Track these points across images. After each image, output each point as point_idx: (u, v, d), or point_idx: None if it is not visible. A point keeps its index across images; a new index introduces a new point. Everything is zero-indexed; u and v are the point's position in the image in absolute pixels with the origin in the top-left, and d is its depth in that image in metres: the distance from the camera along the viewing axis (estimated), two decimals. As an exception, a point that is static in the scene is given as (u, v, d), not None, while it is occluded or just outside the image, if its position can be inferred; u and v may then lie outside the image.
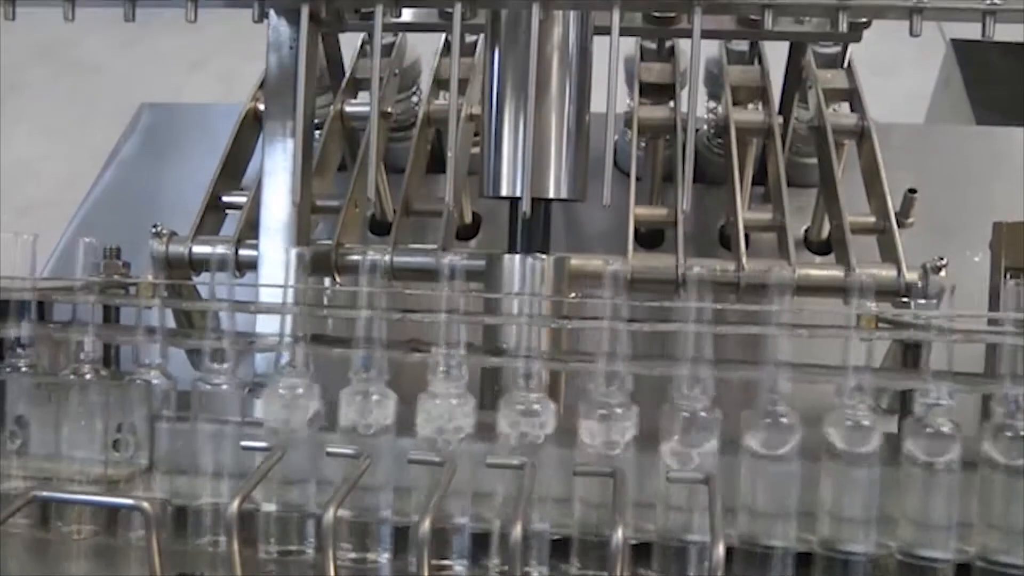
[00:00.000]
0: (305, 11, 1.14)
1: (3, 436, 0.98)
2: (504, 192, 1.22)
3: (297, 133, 1.22)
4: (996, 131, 1.84)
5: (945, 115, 2.10)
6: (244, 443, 0.90)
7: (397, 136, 1.71)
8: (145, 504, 0.81)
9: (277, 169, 1.28)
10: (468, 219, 1.72)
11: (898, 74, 2.75)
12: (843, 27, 1.10)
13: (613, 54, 1.12)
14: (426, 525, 0.78)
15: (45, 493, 0.84)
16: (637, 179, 1.53)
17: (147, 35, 3.66)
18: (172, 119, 1.94)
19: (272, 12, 1.24)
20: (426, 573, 0.77)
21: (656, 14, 1.41)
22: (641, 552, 0.90)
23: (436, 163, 1.66)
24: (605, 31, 1.17)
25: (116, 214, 1.76)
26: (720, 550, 0.77)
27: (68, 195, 1.97)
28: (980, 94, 1.99)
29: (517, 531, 0.78)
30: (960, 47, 2.06)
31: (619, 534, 0.77)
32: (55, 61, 3.85)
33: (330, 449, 0.89)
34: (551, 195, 1.21)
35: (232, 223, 1.43)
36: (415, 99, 1.70)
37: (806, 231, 1.68)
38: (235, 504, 0.80)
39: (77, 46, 3.80)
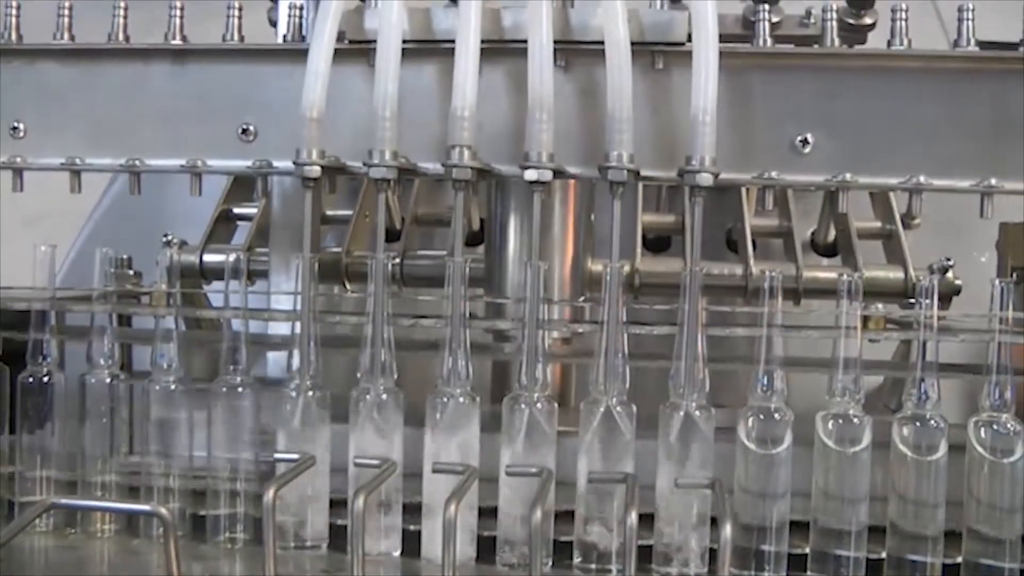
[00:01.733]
0: (308, 199, 1.11)
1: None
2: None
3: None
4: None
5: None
6: (277, 455, 0.95)
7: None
8: (163, 511, 0.86)
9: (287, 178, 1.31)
10: (476, 226, 1.76)
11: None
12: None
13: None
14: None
15: (63, 500, 0.89)
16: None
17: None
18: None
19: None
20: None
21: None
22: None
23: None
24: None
25: (126, 223, 1.80)
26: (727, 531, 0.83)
27: (75, 206, 2.01)
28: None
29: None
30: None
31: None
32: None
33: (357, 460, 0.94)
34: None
35: (240, 233, 1.48)
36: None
37: (812, 234, 1.71)
38: (271, 492, 0.86)
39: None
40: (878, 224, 1.49)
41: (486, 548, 0.99)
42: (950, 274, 1.35)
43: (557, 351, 1.19)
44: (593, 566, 0.97)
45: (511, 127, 1.06)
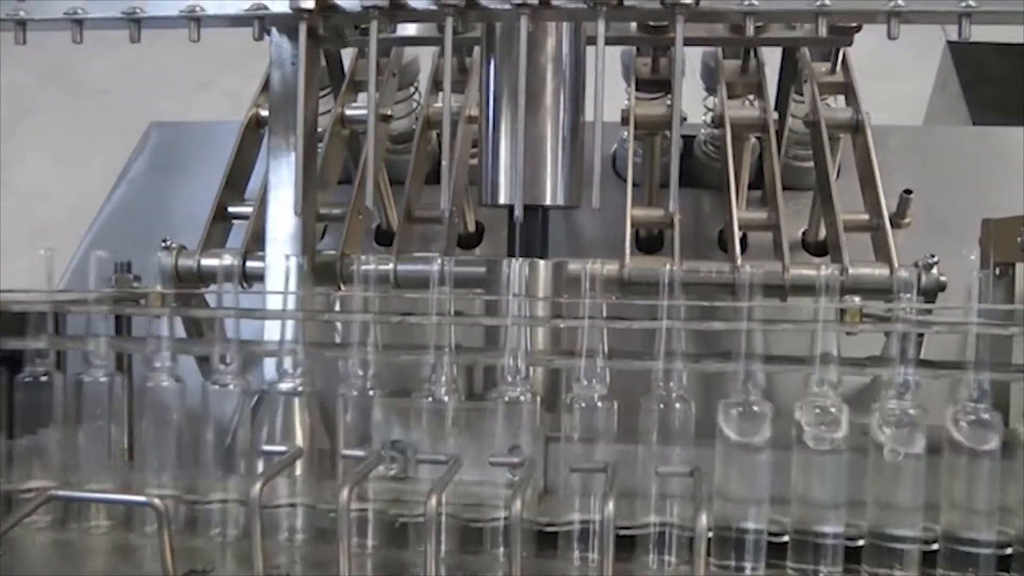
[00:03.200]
0: (303, 28, 1.21)
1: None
2: (502, 200, 1.29)
3: (298, 148, 1.29)
4: (991, 131, 1.91)
5: (943, 117, 2.17)
6: (266, 447, 0.98)
7: (399, 148, 1.79)
8: (156, 501, 0.89)
9: (282, 183, 1.35)
10: (471, 228, 1.79)
11: (896, 78, 2.80)
12: (822, 32, 1.16)
13: (599, 64, 1.18)
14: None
15: (62, 492, 0.92)
16: (635, 184, 1.59)
17: (153, 54, 3.77)
18: (180, 137, 2.03)
19: (274, 30, 1.32)
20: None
21: (651, 23, 1.50)
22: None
23: (438, 173, 1.72)
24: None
25: (128, 230, 1.84)
26: (703, 521, 0.85)
27: (79, 216, 2.04)
28: (976, 95, 2.05)
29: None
30: (956, 49, 2.12)
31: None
32: (63, 84, 3.94)
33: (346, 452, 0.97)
34: (547, 202, 1.29)
35: (238, 234, 1.51)
36: (415, 99, 1.77)
37: (803, 233, 1.74)
38: (257, 487, 0.88)
39: (85, 68, 3.90)
40: (865, 217, 1.51)
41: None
42: (935, 270, 1.37)
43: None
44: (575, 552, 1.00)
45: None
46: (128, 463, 1.08)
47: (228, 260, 1.08)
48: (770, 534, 0.98)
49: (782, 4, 1.15)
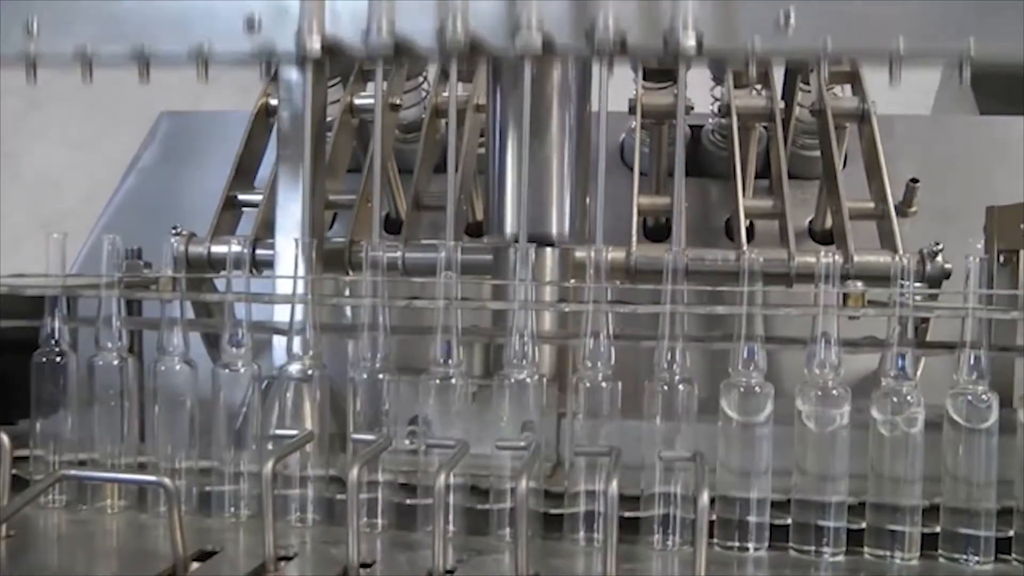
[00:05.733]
0: (309, 69, 1.23)
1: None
2: (508, 230, 1.32)
3: (306, 149, 1.30)
4: (997, 120, 1.92)
5: (951, 106, 2.18)
6: (276, 431, 1.00)
7: (408, 137, 1.81)
8: (167, 481, 0.92)
9: (290, 174, 1.36)
10: (479, 216, 1.81)
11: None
12: (824, 72, 1.18)
13: (602, 101, 1.18)
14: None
15: (73, 472, 0.94)
16: (642, 173, 1.61)
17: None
18: (190, 127, 2.05)
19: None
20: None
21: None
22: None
23: (445, 163, 1.75)
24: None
25: (138, 218, 1.86)
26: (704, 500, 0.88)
27: (91, 207, 2.06)
28: (984, 85, 2.06)
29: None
30: (965, 39, 2.13)
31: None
32: (74, 75, 3.97)
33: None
34: (553, 234, 1.31)
35: (248, 223, 1.54)
36: (424, 88, 1.78)
37: (810, 222, 1.76)
38: (269, 465, 0.91)
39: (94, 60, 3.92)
40: (871, 205, 1.53)
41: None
42: (940, 258, 1.39)
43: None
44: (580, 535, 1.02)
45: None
46: (140, 445, 1.10)
47: (237, 247, 1.09)
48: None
49: (783, 42, 1.14)
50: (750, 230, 1.66)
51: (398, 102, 1.69)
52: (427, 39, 1.16)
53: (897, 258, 1.38)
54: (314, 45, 1.16)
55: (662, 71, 1.72)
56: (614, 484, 0.89)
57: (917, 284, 1.32)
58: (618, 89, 1.29)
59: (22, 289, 1.14)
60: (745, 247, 1.43)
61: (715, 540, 1.00)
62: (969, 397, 0.97)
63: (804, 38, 1.11)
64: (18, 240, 2.69)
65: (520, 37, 1.12)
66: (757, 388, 0.99)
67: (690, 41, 1.08)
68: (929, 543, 0.99)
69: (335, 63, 1.30)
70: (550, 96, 1.29)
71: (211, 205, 1.58)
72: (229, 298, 1.09)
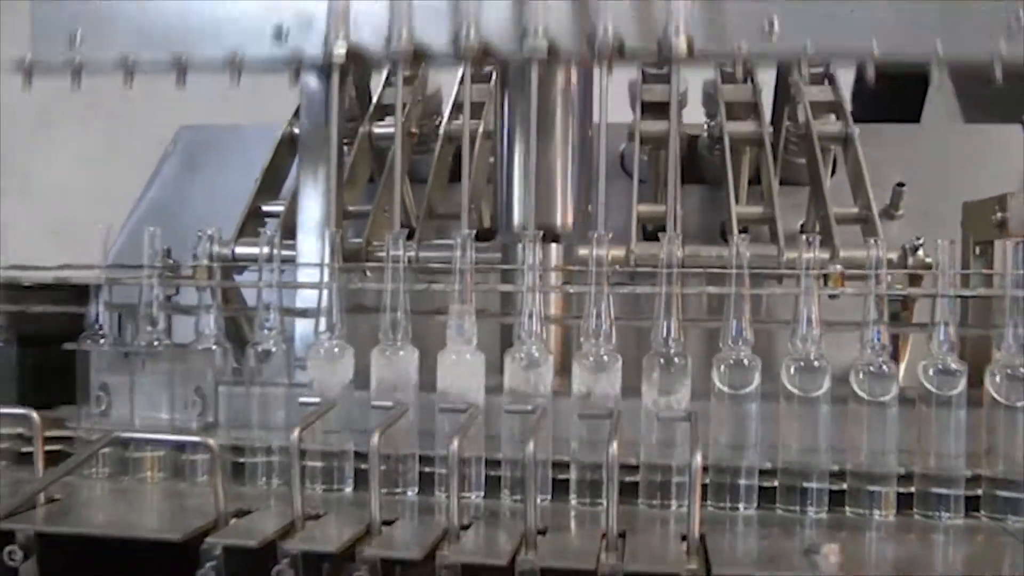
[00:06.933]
0: (335, 75, 1.34)
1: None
2: (516, 223, 1.43)
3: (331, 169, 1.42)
4: (982, 128, 2.02)
5: (938, 116, 2.28)
6: (302, 399, 1.11)
7: (420, 149, 1.92)
8: (210, 440, 1.02)
9: (312, 176, 1.47)
10: (488, 223, 1.92)
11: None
12: (804, 71, 1.29)
13: (603, 104, 1.31)
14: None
15: (125, 434, 1.05)
16: (641, 181, 1.71)
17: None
18: (208, 139, 2.16)
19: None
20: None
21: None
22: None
23: (456, 175, 1.86)
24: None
25: (161, 224, 1.95)
26: (697, 460, 0.97)
27: (99, 215, 2.15)
28: (969, 96, 2.17)
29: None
30: (950, 54, 2.24)
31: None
32: (86, 97, 4.08)
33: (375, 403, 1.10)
34: (558, 225, 1.42)
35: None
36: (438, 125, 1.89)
37: (801, 226, 1.86)
38: (296, 432, 1.01)
39: (107, 82, 4.04)
40: (855, 209, 1.63)
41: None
42: (921, 252, 1.49)
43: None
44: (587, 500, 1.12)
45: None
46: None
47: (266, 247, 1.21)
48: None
49: (768, 46, 1.26)
50: (743, 234, 1.76)
51: (414, 130, 1.81)
52: (443, 45, 1.28)
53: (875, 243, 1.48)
54: (339, 51, 1.28)
55: (659, 105, 1.82)
56: (614, 445, 0.99)
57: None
58: (617, 97, 1.41)
59: (67, 279, 1.24)
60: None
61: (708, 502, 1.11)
62: (939, 366, 1.08)
63: (788, 42, 1.23)
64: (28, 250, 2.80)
65: (527, 42, 1.24)
66: (745, 361, 1.09)
67: (682, 45, 1.20)
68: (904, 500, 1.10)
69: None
70: (554, 101, 1.41)
71: (228, 211, 1.68)
72: (262, 285, 1.19)
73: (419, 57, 1.29)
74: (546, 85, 1.38)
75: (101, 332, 1.22)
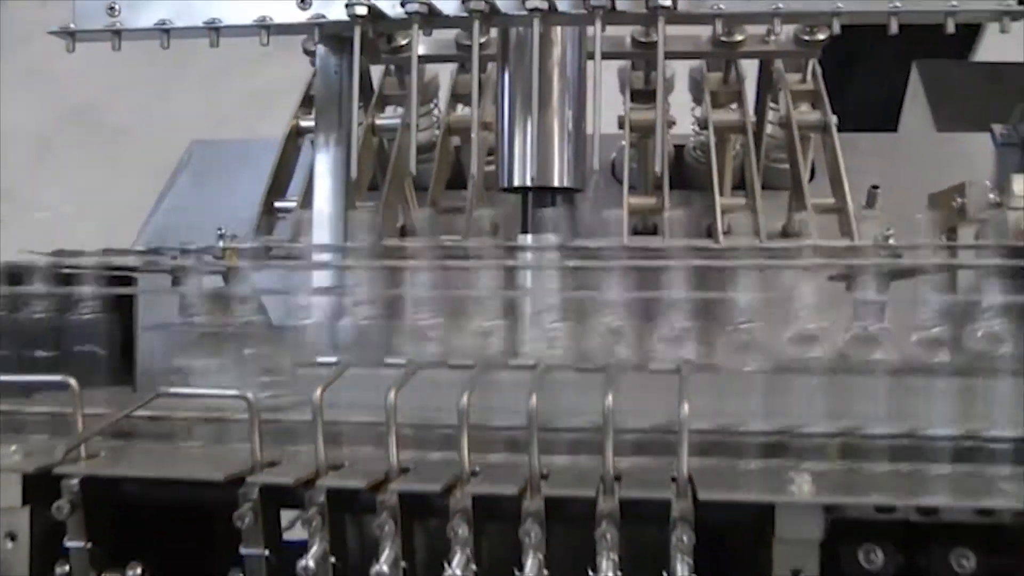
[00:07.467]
0: (357, 31, 1.47)
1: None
2: (516, 182, 1.54)
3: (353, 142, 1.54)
4: (954, 137, 2.16)
5: (914, 126, 2.41)
6: (319, 359, 1.22)
7: (421, 158, 2.03)
8: (249, 394, 1.13)
9: (325, 173, 1.59)
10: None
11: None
12: (778, 28, 1.43)
13: (597, 64, 1.44)
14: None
15: (171, 389, 1.16)
16: (631, 187, 1.84)
17: (170, 94, 4.06)
18: (219, 154, 2.28)
19: (320, 47, 1.58)
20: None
21: (641, 40, 1.77)
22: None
23: (456, 180, 1.98)
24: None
25: (175, 233, 2.07)
26: (684, 410, 1.08)
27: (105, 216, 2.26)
28: (941, 108, 2.30)
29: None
30: (923, 66, 2.38)
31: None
32: (85, 125, 4.20)
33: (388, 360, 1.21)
34: (555, 183, 1.54)
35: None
36: (435, 114, 2.03)
37: (783, 227, 1.98)
38: (319, 391, 1.12)
39: (106, 110, 4.17)
40: (832, 201, 1.76)
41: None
42: (891, 241, 1.61)
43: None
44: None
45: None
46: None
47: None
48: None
49: (744, 6, 1.42)
50: (728, 234, 1.88)
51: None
52: (453, 6, 1.44)
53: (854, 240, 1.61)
54: (360, 10, 1.43)
55: (647, 93, 1.96)
56: (610, 397, 1.10)
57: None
58: (608, 109, 1.54)
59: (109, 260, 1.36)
60: (721, 237, 1.66)
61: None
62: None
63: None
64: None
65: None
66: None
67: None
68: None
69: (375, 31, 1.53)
70: (551, 70, 1.55)
71: (239, 223, 1.78)
72: (291, 265, 1.31)
73: (433, 16, 1.42)
74: (544, 56, 1.51)
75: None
